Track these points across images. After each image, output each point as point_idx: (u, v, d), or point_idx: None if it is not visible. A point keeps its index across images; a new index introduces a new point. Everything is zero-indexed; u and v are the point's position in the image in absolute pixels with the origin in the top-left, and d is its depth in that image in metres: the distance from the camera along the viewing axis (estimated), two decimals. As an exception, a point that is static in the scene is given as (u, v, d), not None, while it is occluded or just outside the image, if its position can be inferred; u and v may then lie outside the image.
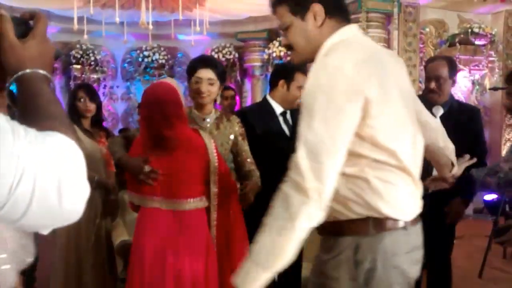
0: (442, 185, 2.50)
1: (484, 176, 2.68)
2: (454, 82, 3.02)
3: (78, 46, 8.45)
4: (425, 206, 2.93)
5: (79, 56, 8.48)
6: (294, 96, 2.90)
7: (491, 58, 7.37)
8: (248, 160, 2.67)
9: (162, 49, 9.01)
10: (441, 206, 2.98)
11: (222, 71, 2.62)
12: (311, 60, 1.50)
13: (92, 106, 3.21)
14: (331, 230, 1.51)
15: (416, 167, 1.55)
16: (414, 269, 1.54)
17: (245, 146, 2.67)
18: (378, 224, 1.45)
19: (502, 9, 7.41)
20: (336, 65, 1.37)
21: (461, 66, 7.22)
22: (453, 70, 3.00)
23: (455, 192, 2.89)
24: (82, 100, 3.18)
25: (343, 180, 1.42)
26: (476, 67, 7.34)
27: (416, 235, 1.57)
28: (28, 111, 0.82)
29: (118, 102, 9.21)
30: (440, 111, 2.98)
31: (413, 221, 1.53)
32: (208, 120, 2.63)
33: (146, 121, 2.31)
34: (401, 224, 1.48)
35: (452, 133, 2.86)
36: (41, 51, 0.89)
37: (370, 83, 1.37)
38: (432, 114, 2.85)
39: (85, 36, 6.86)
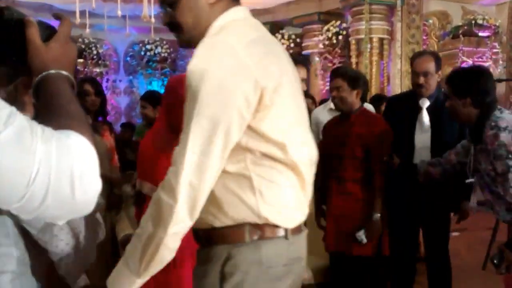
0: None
1: (426, 166, 2.75)
2: (439, 76, 3.13)
3: (80, 40, 8.44)
4: (421, 199, 3.03)
5: (81, 50, 8.48)
6: None
7: (495, 50, 7.34)
8: None
9: (164, 42, 8.99)
10: (435, 199, 3.05)
11: None
12: (197, 43, 1.26)
13: (97, 100, 3.20)
14: (206, 239, 1.34)
15: (308, 168, 1.36)
16: (290, 283, 1.34)
17: None
18: (255, 231, 1.27)
19: (506, 0, 7.36)
20: (226, 45, 1.21)
21: (464, 58, 7.20)
22: (439, 64, 3.10)
23: (447, 185, 3.00)
24: (87, 94, 3.17)
25: (222, 179, 1.25)
26: (480, 59, 7.30)
27: (298, 246, 1.37)
28: (48, 109, 0.87)
29: (121, 96, 9.21)
30: (426, 103, 3.08)
31: (295, 229, 1.33)
32: None
33: (167, 108, 2.31)
34: (281, 232, 1.30)
35: (439, 124, 3.04)
36: (63, 53, 0.94)
37: (263, 67, 1.22)
38: (419, 106, 3.08)
39: (87, 30, 6.86)
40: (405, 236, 3.15)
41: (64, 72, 0.92)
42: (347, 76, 3.03)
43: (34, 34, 0.93)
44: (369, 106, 3.99)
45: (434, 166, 2.74)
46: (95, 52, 8.54)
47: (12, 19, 0.94)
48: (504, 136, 2.23)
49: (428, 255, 3.21)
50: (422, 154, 3.06)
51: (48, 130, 0.78)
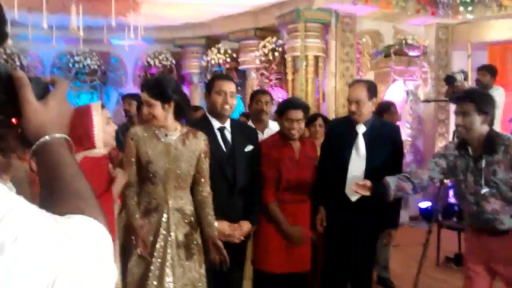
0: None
1: (397, 181, 2.89)
2: (373, 103, 3.30)
3: (1, 50, 7.90)
4: (349, 219, 3.17)
5: (2, 61, 7.93)
6: (214, 101, 2.96)
7: (424, 69, 7.60)
8: (202, 180, 2.73)
9: (94, 54, 8.62)
10: (363, 220, 3.22)
11: (158, 90, 2.59)
12: None
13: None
14: None
15: None
16: None
17: (204, 165, 2.72)
18: None
19: (433, 21, 7.65)
20: None
21: (396, 77, 7.40)
22: (372, 92, 3.24)
23: (374, 208, 3.18)
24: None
25: None
26: (410, 78, 7.53)
27: None
28: (50, 186, 0.78)
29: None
30: (362, 128, 3.25)
31: None
32: (171, 136, 2.66)
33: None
34: None
35: (375, 147, 3.21)
36: (62, 113, 0.86)
37: None
38: (355, 131, 3.24)
39: (9, 41, 6.42)
40: (337, 256, 3.32)
41: (66, 137, 0.85)
42: None
43: (28, 92, 0.82)
44: (274, 124, 4.04)
45: (404, 181, 2.88)
46: (18, 63, 8.02)
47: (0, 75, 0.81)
48: None
49: (353, 277, 3.36)
50: (356, 177, 3.16)
51: (62, 223, 0.67)
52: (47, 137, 0.82)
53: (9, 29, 4.76)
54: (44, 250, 0.62)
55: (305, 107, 3.24)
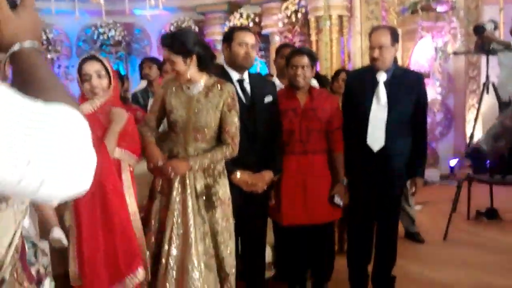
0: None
1: (493, 143, 2.68)
2: (396, 50, 3.19)
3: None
4: (372, 169, 3.10)
5: (30, 35, 8.06)
6: (236, 52, 2.92)
7: (453, 25, 7.34)
8: (228, 131, 2.67)
9: (118, 25, 8.66)
10: (387, 170, 3.15)
11: (178, 45, 2.56)
12: None
13: None
14: None
15: None
16: None
17: (229, 117, 2.66)
18: None
19: (462, -26, 7.37)
20: None
21: (423, 33, 7.19)
22: (395, 38, 3.14)
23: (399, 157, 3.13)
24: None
25: None
26: (439, 34, 7.31)
27: None
28: (27, 85, 0.81)
29: (74, 82, 8.83)
30: (383, 76, 3.13)
31: None
32: (193, 88, 2.65)
33: None
34: None
35: (396, 96, 3.10)
36: (33, 22, 0.89)
37: None
38: (376, 79, 3.12)
39: (34, 13, 6.50)
40: (362, 207, 3.27)
41: (37, 44, 0.88)
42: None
43: (2, 2, 0.85)
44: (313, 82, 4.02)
45: (499, 141, 2.75)
46: (44, 37, 8.16)
47: None
48: None
49: (380, 215, 3.29)
50: (377, 127, 3.12)
51: (39, 104, 0.71)
52: (23, 43, 0.85)
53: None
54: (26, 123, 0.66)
55: (310, 54, 3.18)
